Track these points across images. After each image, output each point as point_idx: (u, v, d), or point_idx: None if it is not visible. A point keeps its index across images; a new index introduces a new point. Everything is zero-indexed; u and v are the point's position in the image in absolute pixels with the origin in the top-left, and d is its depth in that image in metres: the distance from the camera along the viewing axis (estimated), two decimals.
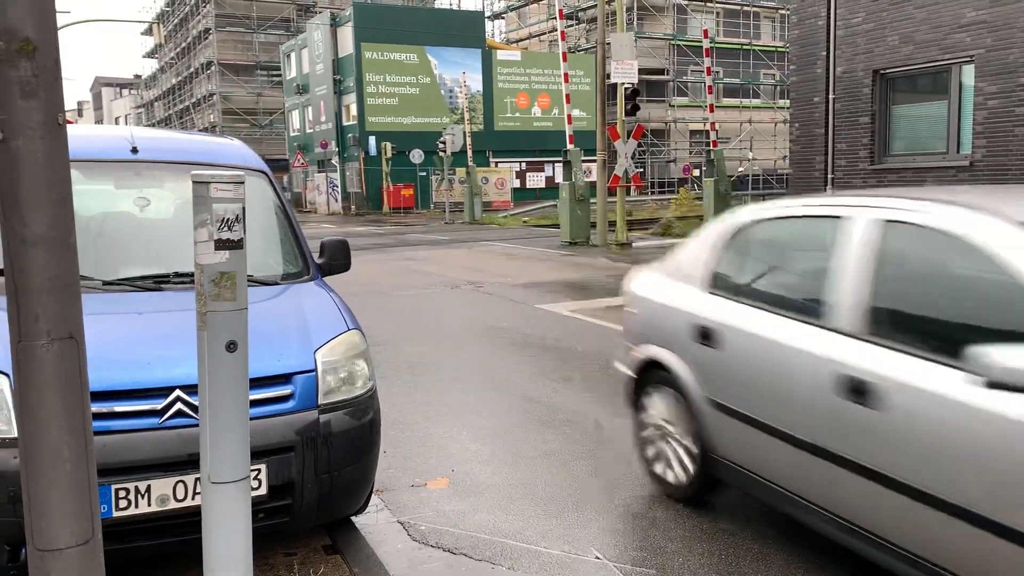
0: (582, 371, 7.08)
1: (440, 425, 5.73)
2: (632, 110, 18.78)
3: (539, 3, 49.75)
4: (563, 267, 15.19)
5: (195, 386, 2.95)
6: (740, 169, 43.77)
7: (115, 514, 2.86)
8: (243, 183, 2.03)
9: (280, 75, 50.87)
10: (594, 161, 19.68)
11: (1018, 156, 12.56)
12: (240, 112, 51.80)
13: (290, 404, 3.23)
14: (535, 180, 43.12)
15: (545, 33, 49.67)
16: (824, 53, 15.48)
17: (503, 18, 54.83)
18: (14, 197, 2.01)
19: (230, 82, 51.76)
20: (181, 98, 59.33)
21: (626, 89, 18.27)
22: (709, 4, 46.09)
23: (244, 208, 2.03)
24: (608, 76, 18.52)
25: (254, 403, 2.85)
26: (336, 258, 4.54)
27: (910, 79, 14.50)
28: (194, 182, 1.99)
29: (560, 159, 20.95)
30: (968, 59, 13.22)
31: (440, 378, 7.02)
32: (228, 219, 1.99)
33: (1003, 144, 12.77)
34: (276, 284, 4.04)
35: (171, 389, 3.02)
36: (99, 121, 79.88)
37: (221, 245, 1.99)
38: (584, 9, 45.28)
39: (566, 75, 19.82)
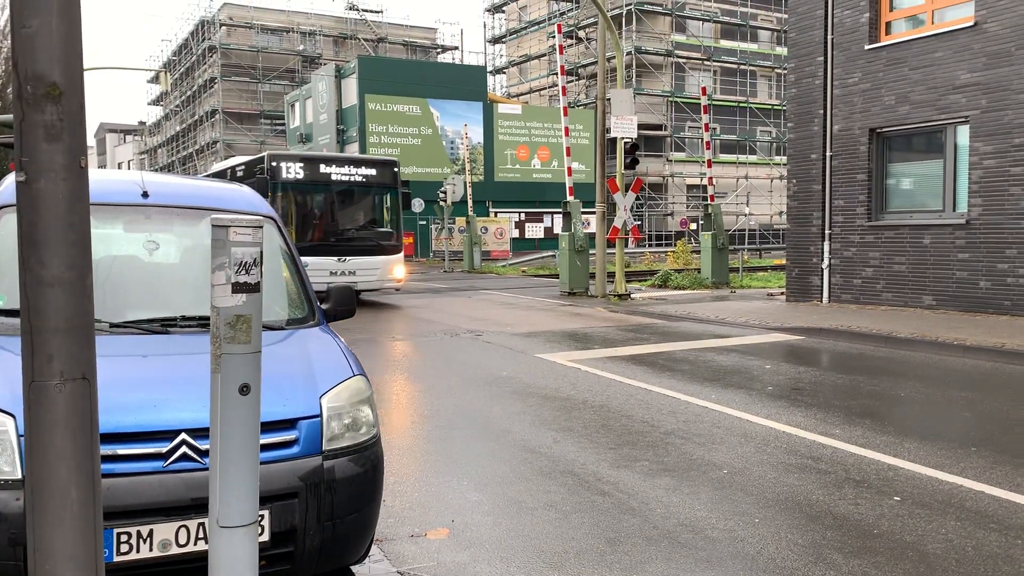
0: (583, 421, 7.04)
1: (440, 474, 5.69)
2: (631, 164, 18.99)
3: (540, 59, 50.66)
4: (562, 317, 15.20)
5: (201, 429, 2.95)
6: (748, 222, 44.08)
7: (116, 559, 2.83)
8: (261, 227, 2.06)
9: (284, 124, 51.50)
10: (593, 213, 19.84)
11: (1013, 215, 12.69)
12: None
13: (295, 449, 3.21)
14: (534, 230, 43.39)
15: (545, 88, 50.50)
16: (821, 111, 15.74)
17: (504, 73, 55.78)
18: (33, 238, 2.04)
19: (234, 130, 52.38)
20: (185, 145, 59.94)
21: (626, 143, 18.50)
22: (707, 63, 46.93)
23: (262, 252, 2.06)
24: (608, 130, 18.77)
25: (260, 448, 2.83)
26: (341, 304, 4.57)
27: (906, 138, 14.72)
28: (213, 226, 2.02)
29: (559, 210, 21.11)
30: (963, 119, 13.44)
31: (440, 426, 6.98)
32: (246, 263, 2.01)
33: (998, 203, 12.91)
34: (282, 329, 4.05)
35: (176, 432, 3.01)
36: (102, 166, 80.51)
37: (238, 288, 2.01)
38: (584, 66, 46.09)
39: (567, 129, 20.09)
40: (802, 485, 5.28)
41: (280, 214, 16.05)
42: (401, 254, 17.77)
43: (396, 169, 18.04)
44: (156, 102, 69.59)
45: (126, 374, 3.25)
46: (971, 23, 13.14)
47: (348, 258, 16.68)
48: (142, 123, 76.05)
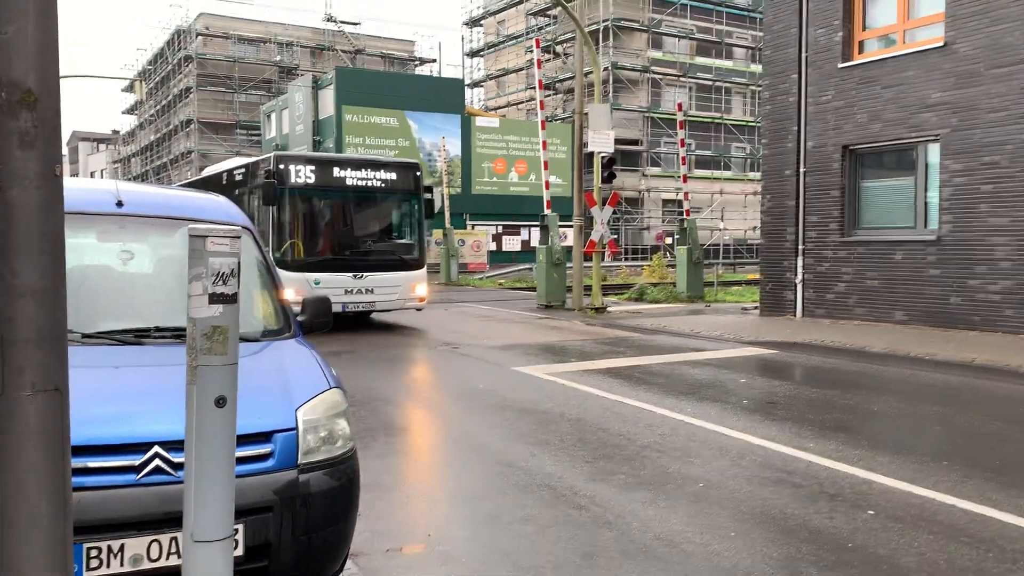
0: (559, 435, 7.04)
1: (416, 488, 5.65)
2: (608, 178, 19.09)
3: (517, 73, 50.90)
4: (539, 330, 15.21)
5: (174, 442, 2.91)
6: (723, 237, 44.43)
7: (86, 574, 2.77)
8: (239, 238, 2.04)
9: (259, 134, 51.26)
10: (570, 226, 19.91)
11: (982, 232, 12.90)
12: None
13: (270, 463, 3.18)
14: (511, 243, 43.43)
15: (523, 101, 50.70)
16: (795, 128, 15.93)
17: (482, 86, 55.95)
18: (5, 247, 2.00)
19: (209, 140, 52.05)
20: (159, 154, 59.43)
21: (603, 158, 18.60)
22: (682, 79, 47.39)
23: (239, 263, 2.04)
24: (585, 144, 18.87)
25: (235, 461, 2.80)
26: (318, 316, 4.54)
27: (878, 155, 14.93)
28: (191, 235, 2.00)
29: (536, 223, 21.15)
30: (934, 138, 13.67)
31: (416, 439, 6.94)
32: (224, 273, 1.99)
33: (968, 220, 13.12)
34: (258, 341, 4.02)
35: (150, 445, 2.96)
36: (75, 175, 79.61)
37: (215, 299, 1.99)
38: (561, 80, 46.36)
39: (544, 143, 20.17)
40: (777, 499, 5.30)
41: (288, 224, 14.37)
42: (424, 270, 15.52)
43: (418, 173, 15.88)
44: (130, 111, 69.00)
45: (98, 385, 3.20)
46: (941, 43, 13.39)
47: (365, 274, 14.56)
48: (116, 132, 75.32)
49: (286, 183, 14.42)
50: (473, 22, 53.94)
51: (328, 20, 54.43)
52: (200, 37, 51.31)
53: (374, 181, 15.26)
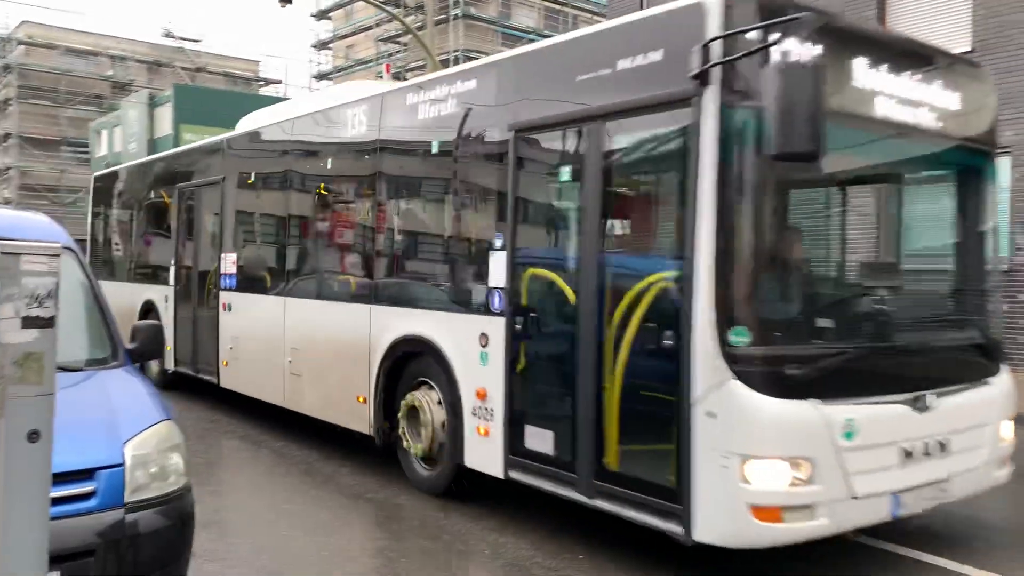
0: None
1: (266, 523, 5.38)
2: None
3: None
4: None
5: None
6: None
7: None
8: (59, 256, 1.88)
9: (88, 152, 48.15)
10: None
11: None
12: (40, 188, 48.30)
13: (92, 502, 2.95)
14: None
15: None
16: None
17: None
18: None
19: (31, 156, 48.40)
20: None
21: None
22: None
23: (58, 283, 1.87)
24: None
25: (51, 501, 2.56)
26: (148, 344, 4.26)
27: None
28: (1, 253, 1.82)
29: None
30: None
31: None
32: (39, 295, 1.82)
33: None
34: (80, 370, 3.72)
35: None
36: None
37: (29, 323, 1.81)
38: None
39: None
40: None
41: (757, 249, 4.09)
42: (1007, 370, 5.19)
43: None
44: None
45: None
46: None
47: (933, 398, 4.43)
48: None
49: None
50: (321, 45, 53.20)
51: (167, 36, 52.11)
52: (22, 46, 47.77)
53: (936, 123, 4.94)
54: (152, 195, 11.05)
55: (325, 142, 7.38)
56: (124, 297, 10.65)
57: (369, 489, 6.10)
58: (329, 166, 7.34)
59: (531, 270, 5.04)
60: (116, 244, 12.33)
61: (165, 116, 38.60)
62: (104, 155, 44.41)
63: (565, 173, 4.89)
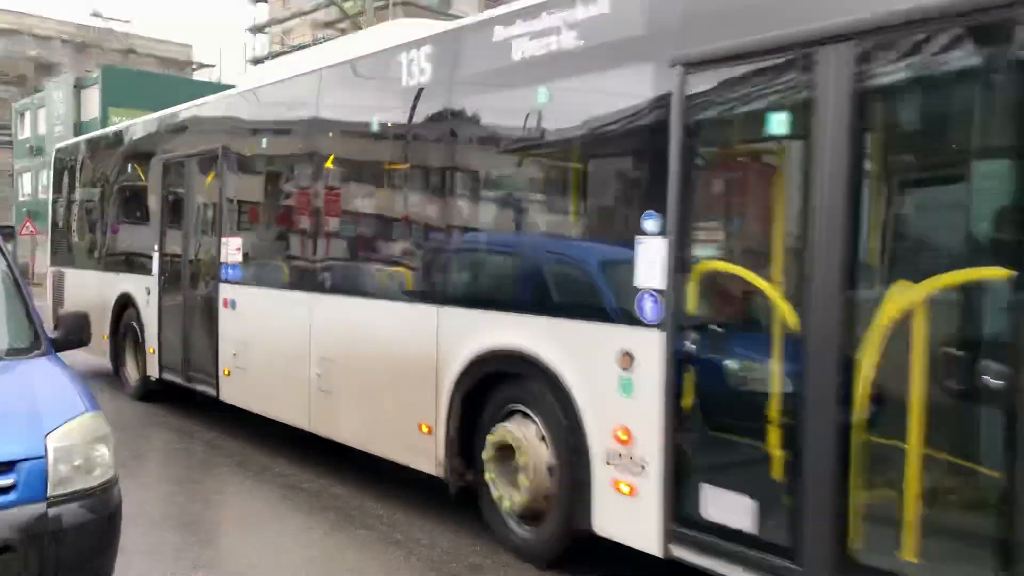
0: None
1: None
2: None
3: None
4: None
5: None
6: None
7: None
8: None
9: (10, 135, 46.31)
10: None
11: None
12: None
13: (12, 496, 2.85)
14: None
15: None
16: None
17: None
18: None
19: None
20: None
21: None
22: None
23: None
24: None
25: None
26: (73, 332, 4.13)
27: None
28: None
29: None
30: None
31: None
32: None
33: None
34: (0, 360, 3.58)
35: None
36: None
37: None
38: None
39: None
40: None
41: None
42: None
43: None
44: None
45: None
46: None
47: None
48: None
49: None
50: (257, 29, 52.09)
51: (94, 15, 50.38)
52: None
53: None
54: (129, 169, 9.26)
55: (370, 95, 5.81)
56: (93, 289, 9.38)
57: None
58: (376, 125, 5.67)
59: (710, 265, 3.68)
60: (84, 227, 10.40)
61: (93, 98, 37.39)
62: (27, 137, 42.83)
63: (779, 123, 3.36)
